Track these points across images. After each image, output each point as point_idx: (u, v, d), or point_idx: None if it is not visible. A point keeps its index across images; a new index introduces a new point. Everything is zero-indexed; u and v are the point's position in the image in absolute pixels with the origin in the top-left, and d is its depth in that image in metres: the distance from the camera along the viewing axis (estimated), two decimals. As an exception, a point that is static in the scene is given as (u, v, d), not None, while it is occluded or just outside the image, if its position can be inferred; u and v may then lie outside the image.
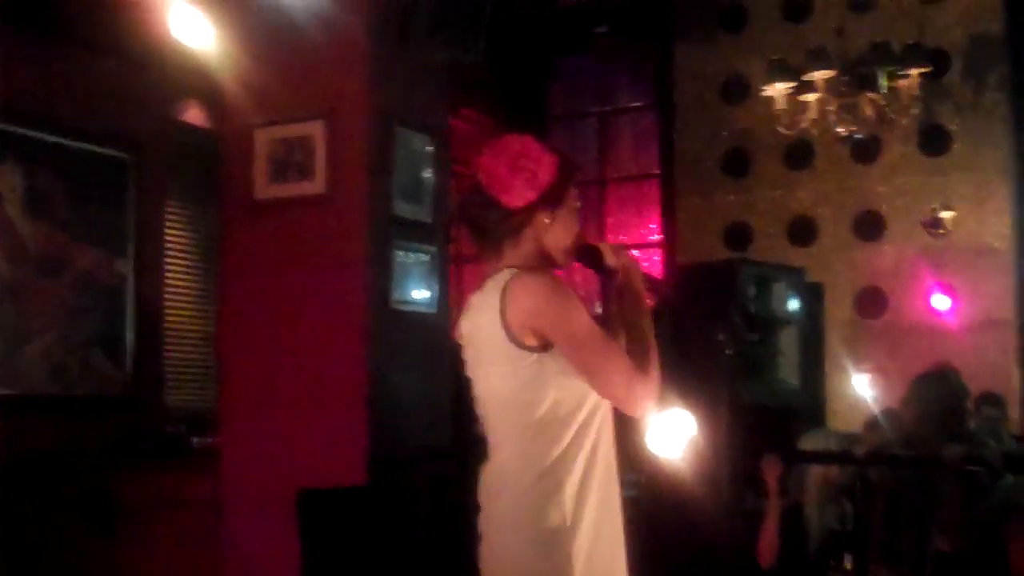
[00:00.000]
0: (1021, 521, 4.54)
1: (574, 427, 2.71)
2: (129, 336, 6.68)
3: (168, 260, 7.20)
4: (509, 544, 2.73)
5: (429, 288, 5.52)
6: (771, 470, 5.09)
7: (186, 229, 7.46)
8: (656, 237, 8.45)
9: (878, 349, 7.10)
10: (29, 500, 5.82)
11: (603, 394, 2.72)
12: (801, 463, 5.26)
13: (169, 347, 7.17)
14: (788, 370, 6.21)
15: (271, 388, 5.47)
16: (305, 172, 5.49)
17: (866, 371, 6.73)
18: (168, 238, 7.20)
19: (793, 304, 6.38)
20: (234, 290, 5.73)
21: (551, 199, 2.78)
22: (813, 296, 6.87)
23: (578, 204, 2.86)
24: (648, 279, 2.91)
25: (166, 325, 7.12)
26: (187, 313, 7.44)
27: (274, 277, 5.54)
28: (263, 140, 5.57)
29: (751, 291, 5.92)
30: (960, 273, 7.04)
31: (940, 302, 7.04)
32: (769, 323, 6.17)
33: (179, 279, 7.37)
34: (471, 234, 2.86)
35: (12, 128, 6.17)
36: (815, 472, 5.13)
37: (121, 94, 6.69)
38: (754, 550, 5.03)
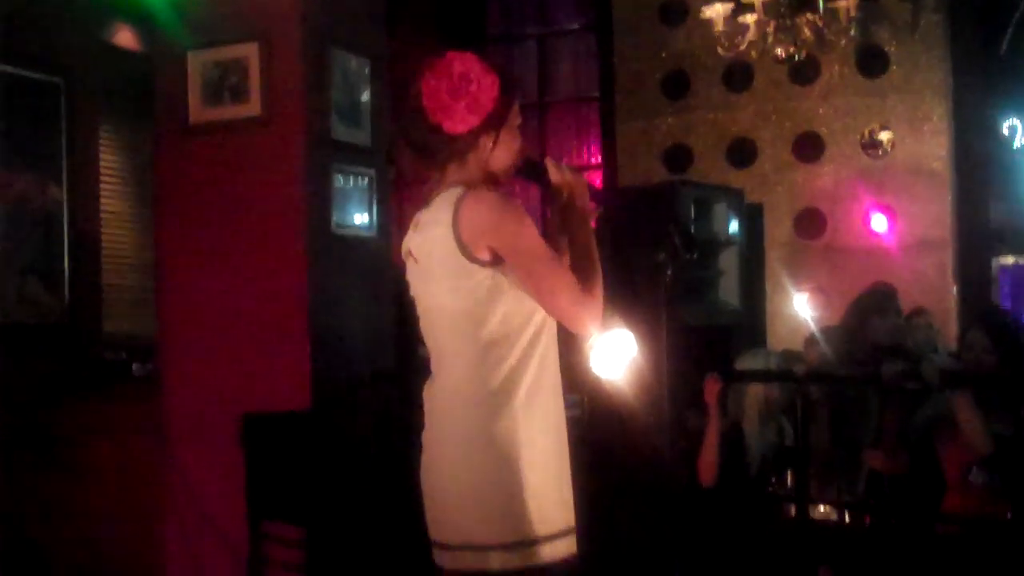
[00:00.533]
0: (952, 434, 4.61)
1: (523, 343, 2.73)
2: (66, 263, 6.59)
3: (104, 185, 7.09)
4: (460, 458, 2.74)
5: (369, 211, 5.49)
6: (711, 389, 5.14)
7: (121, 154, 7.36)
8: (596, 160, 8.44)
9: (817, 269, 7.16)
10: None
11: (550, 311, 2.74)
12: (741, 382, 5.31)
13: (107, 273, 7.09)
14: (728, 291, 6.26)
15: (211, 313, 5.43)
16: (240, 95, 5.42)
17: (805, 291, 6.79)
18: (103, 163, 7.09)
19: (733, 225, 6.41)
20: (170, 215, 5.67)
21: (494, 122, 2.76)
22: (753, 217, 6.89)
23: (519, 121, 2.84)
24: (594, 192, 2.92)
25: (103, 251, 7.03)
26: (124, 239, 7.36)
27: (211, 201, 5.49)
28: (196, 63, 5.49)
29: (691, 212, 5.94)
30: (898, 194, 7.09)
31: (878, 223, 7.09)
32: (709, 244, 6.21)
33: (115, 205, 7.28)
34: (413, 156, 2.83)
35: (-63, 52, 6.04)
36: (754, 391, 5.17)
37: (51, 17, 6.55)
38: (695, 469, 5.08)
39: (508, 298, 2.72)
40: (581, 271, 2.75)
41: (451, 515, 2.77)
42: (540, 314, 2.76)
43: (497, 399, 2.72)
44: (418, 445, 2.88)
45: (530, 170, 2.89)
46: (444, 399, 2.80)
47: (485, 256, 2.69)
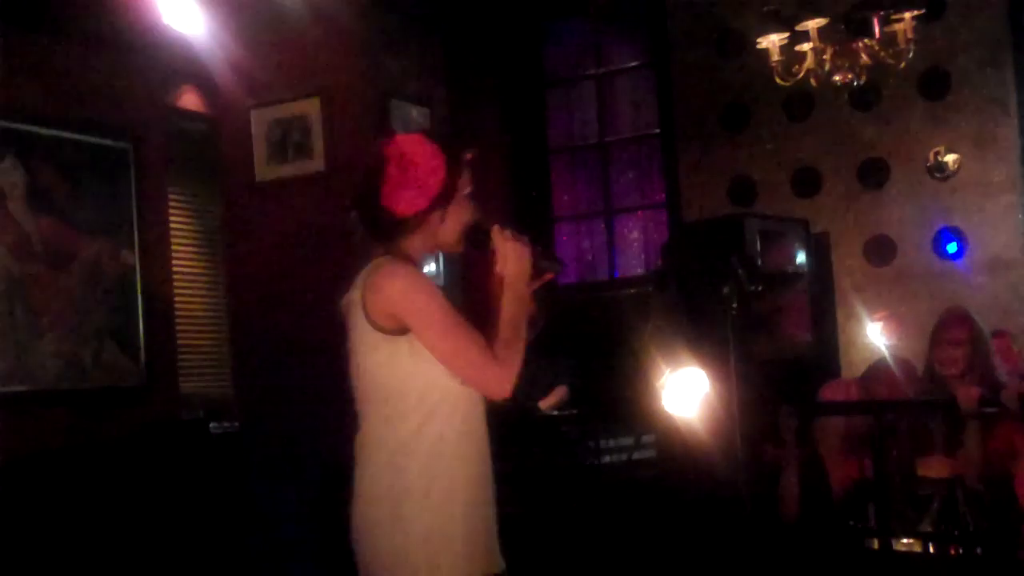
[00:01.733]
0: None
1: (426, 408, 2.85)
2: (140, 325, 6.69)
3: (174, 246, 7.19)
4: (367, 515, 2.89)
5: (436, 261, 5.52)
6: (788, 423, 5.09)
7: (190, 214, 7.44)
8: (661, 197, 8.42)
9: (889, 297, 7.07)
10: (48, 495, 5.84)
11: (457, 376, 2.86)
12: (818, 414, 5.26)
13: (181, 334, 7.17)
14: (799, 323, 6.20)
15: (287, 368, 5.47)
16: (304, 151, 5.50)
17: (878, 319, 6.71)
18: (173, 224, 7.19)
19: (801, 256, 6.37)
20: (240, 273, 5.73)
21: (441, 201, 2.91)
22: (820, 247, 6.84)
23: (468, 190, 2.96)
24: (546, 257, 2.99)
25: (177, 312, 7.12)
26: (197, 299, 7.43)
27: (280, 257, 5.55)
28: (260, 121, 5.58)
29: (757, 245, 5.90)
30: (967, 216, 7.00)
31: (948, 246, 7.01)
32: (777, 277, 6.16)
33: (186, 265, 7.36)
34: (365, 232, 2.97)
35: (10, 124, 6.16)
36: (833, 422, 5.12)
37: (116, 84, 6.68)
38: (776, 504, 5.03)
39: (409, 364, 2.84)
40: (500, 339, 2.85)
41: (363, 561, 2.93)
42: (448, 380, 2.86)
43: (397, 462, 2.85)
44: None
45: (474, 236, 2.97)
46: (361, 453, 2.93)
47: (389, 325, 2.82)
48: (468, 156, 2.98)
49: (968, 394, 4.69)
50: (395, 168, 2.88)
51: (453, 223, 2.94)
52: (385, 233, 2.91)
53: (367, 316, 2.83)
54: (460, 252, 3.03)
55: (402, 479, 2.84)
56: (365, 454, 2.91)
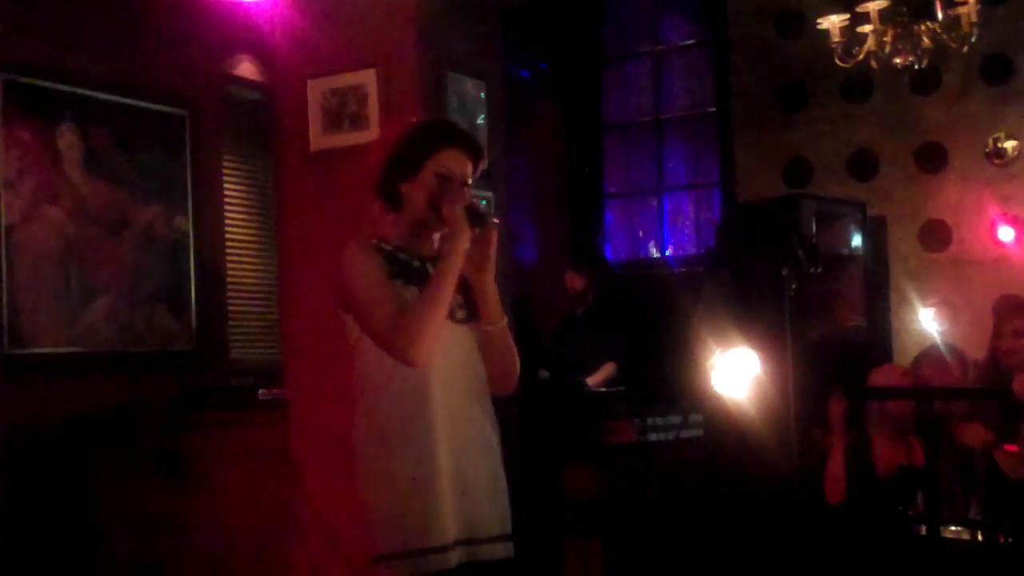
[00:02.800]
0: None
1: (392, 383, 3.06)
2: (192, 291, 6.74)
3: (228, 214, 7.23)
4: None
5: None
6: (836, 406, 5.06)
7: (244, 183, 7.48)
8: (715, 176, 8.37)
9: (943, 283, 7.01)
10: (99, 456, 5.90)
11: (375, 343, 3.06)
12: (867, 399, 5.22)
13: (232, 300, 7.22)
14: (853, 306, 6.17)
15: (335, 339, 5.48)
16: (359, 121, 5.48)
17: (932, 305, 6.66)
18: (227, 192, 7.24)
19: (856, 239, 6.32)
20: (293, 242, 5.75)
21: (399, 169, 3.17)
22: (876, 230, 6.79)
23: (443, 170, 3.13)
24: (472, 211, 3.10)
25: (228, 279, 7.17)
26: (249, 266, 7.48)
27: (332, 227, 5.54)
28: (316, 91, 5.56)
29: (812, 227, 5.86)
30: (1024, 203, 6.93)
31: (1005, 233, 6.93)
32: (832, 259, 6.12)
33: (239, 233, 7.40)
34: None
35: (68, 88, 6.21)
36: (882, 407, 5.09)
37: (173, 51, 6.71)
38: (821, 486, 5.01)
39: (362, 344, 3.11)
40: (411, 306, 3.02)
41: None
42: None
43: (357, 413, 3.14)
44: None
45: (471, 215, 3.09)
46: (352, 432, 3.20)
47: (342, 305, 3.14)
48: (448, 144, 3.16)
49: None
50: (376, 144, 3.29)
51: (418, 197, 3.13)
52: (387, 206, 3.22)
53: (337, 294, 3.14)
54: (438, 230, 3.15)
55: (355, 436, 3.13)
56: (354, 432, 3.17)
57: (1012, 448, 4.79)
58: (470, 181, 3.21)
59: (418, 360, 2.98)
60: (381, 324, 3.01)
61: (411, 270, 3.13)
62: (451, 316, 3.12)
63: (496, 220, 3.16)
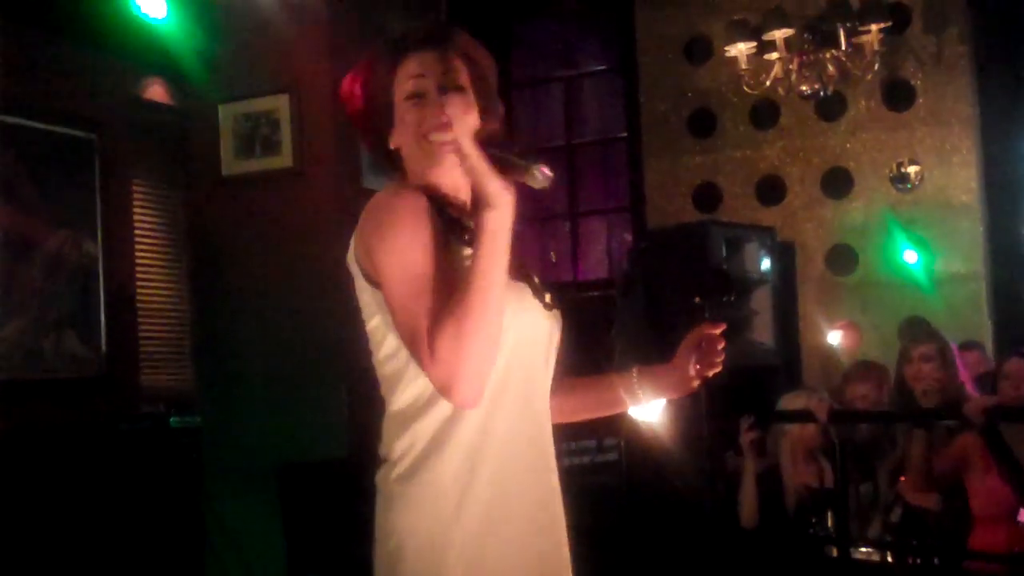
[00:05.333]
0: (983, 470, 4.61)
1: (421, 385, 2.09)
2: (102, 316, 6.65)
3: (138, 239, 7.16)
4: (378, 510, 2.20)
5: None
6: (747, 430, 5.13)
7: (154, 207, 7.42)
8: (625, 201, 8.45)
9: (851, 306, 7.13)
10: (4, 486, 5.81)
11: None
12: (775, 423, 5.29)
13: (143, 326, 7.15)
14: (762, 330, 6.24)
15: (247, 365, 5.46)
16: (272, 147, 5.47)
17: (838, 328, 6.76)
18: (136, 217, 7.17)
19: (765, 263, 6.41)
20: (204, 268, 5.71)
21: (376, 119, 2.23)
22: (785, 255, 6.88)
23: (412, 88, 2.18)
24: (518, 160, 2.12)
25: (139, 304, 7.09)
26: (160, 292, 7.41)
27: (244, 253, 5.53)
28: (228, 115, 5.55)
29: (722, 252, 5.93)
30: (929, 227, 7.07)
31: (910, 257, 7.07)
32: (742, 283, 6.20)
33: (150, 258, 7.33)
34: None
35: (-28, 111, 6.13)
36: (792, 431, 5.16)
37: (82, 74, 6.64)
38: (735, 510, 5.07)
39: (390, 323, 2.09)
40: (449, 317, 1.94)
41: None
42: None
43: (403, 465, 2.13)
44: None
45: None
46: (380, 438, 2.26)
47: (368, 266, 2.11)
48: (405, 53, 2.20)
49: (977, 404, 4.70)
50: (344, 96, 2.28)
51: (405, 135, 2.17)
52: (387, 173, 2.30)
53: (357, 258, 2.13)
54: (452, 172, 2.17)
55: (392, 509, 2.16)
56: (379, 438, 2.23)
57: (904, 479, 4.90)
58: (463, 82, 2.19)
59: (467, 400, 1.96)
60: (411, 324, 1.98)
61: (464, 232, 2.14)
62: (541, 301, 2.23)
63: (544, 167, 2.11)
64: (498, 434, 2.10)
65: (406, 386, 2.12)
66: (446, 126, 2.00)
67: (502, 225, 1.98)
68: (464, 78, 2.20)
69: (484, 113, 2.12)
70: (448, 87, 2.15)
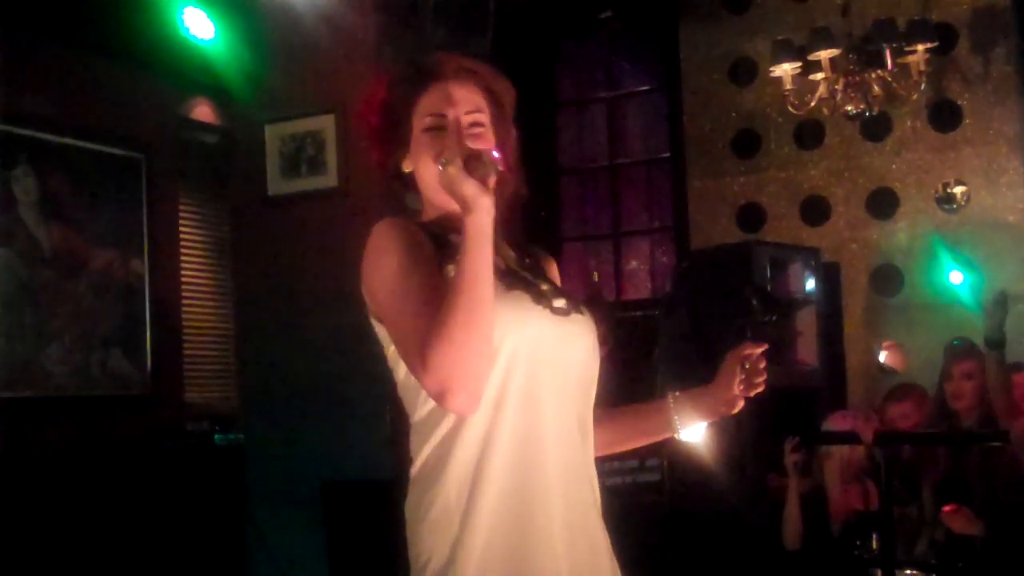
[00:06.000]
0: None
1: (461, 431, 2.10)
2: (147, 335, 6.71)
3: (184, 258, 7.22)
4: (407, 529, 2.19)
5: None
6: (791, 451, 5.10)
7: (201, 227, 7.48)
8: (668, 221, 8.44)
9: (896, 327, 7.08)
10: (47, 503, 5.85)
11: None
12: (819, 444, 5.27)
13: (188, 344, 7.20)
14: (807, 351, 6.20)
15: (292, 383, 5.48)
16: (317, 167, 5.50)
17: (884, 349, 6.72)
18: (183, 236, 7.23)
19: (809, 284, 6.37)
20: (250, 286, 5.74)
21: (392, 141, 2.27)
22: (829, 276, 6.84)
23: (430, 121, 2.21)
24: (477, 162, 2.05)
25: (184, 323, 7.15)
26: (205, 310, 7.46)
27: (289, 272, 5.56)
28: (274, 136, 5.59)
29: (766, 273, 5.91)
30: (975, 248, 7.01)
31: (956, 278, 7.01)
32: (786, 304, 6.16)
33: (196, 277, 7.39)
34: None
35: (24, 131, 6.20)
36: (837, 452, 5.14)
37: (130, 94, 6.71)
38: (778, 532, 5.04)
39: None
40: (438, 325, 1.96)
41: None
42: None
43: (417, 485, 2.14)
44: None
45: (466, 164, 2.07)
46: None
47: (370, 301, 2.21)
48: (434, 77, 2.24)
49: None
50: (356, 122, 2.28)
51: (421, 166, 2.21)
52: (398, 196, 2.34)
53: (364, 294, 2.21)
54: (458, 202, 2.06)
55: (419, 530, 2.13)
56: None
57: (948, 508, 4.85)
58: (483, 119, 2.24)
59: (464, 405, 2.00)
60: (408, 340, 2.03)
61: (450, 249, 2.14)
62: (550, 307, 2.18)
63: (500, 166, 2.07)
64: (504, 444, 2.09)
65: (415, 409, 2.16)
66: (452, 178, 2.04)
67: (481, 229, 2.01)
68: (484, 114, 2.25)
69: (499, 144, 2.22)
70: (472, 124, 2.22)
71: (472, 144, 2.12)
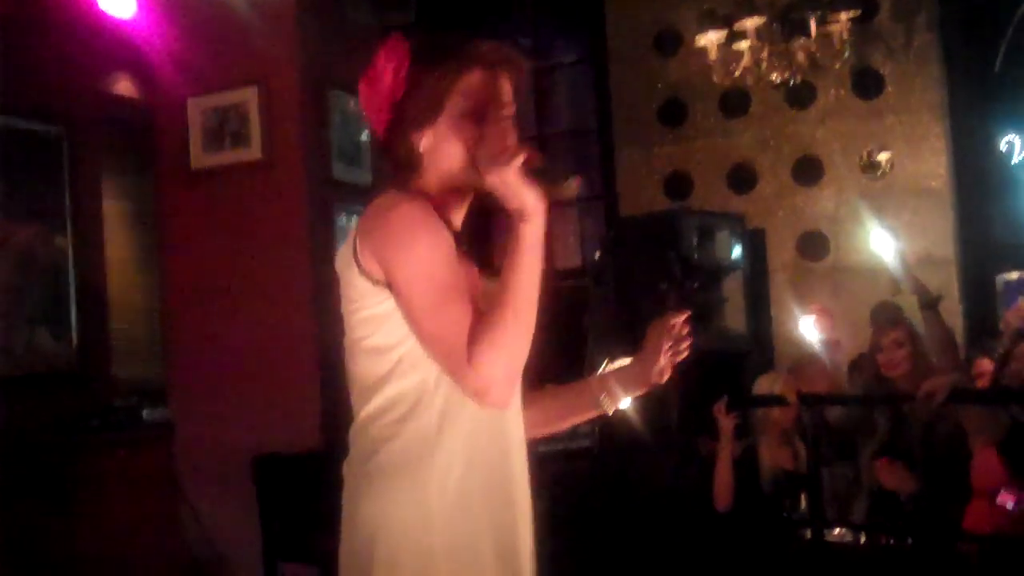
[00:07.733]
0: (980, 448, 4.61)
1: (419, 388, 2.14)
2: (72, 311, 6.62)
3: (108, 233, 7.13)
4: (348, 537, 2.22)
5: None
6: (722, 414, 5.15)
7: (124, 201, 7.39)
8: (598, 190, 8.46)
9: (822, 291, 7.16)
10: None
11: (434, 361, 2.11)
12: (750, 406, 5.31)
13: (114, 320, 7.11)
14: (734, 316, 6.25)
15: (220, 357, 5.45)
16: (241, 139, 5.47)
17: (811, 313, 6.79)
18: (106, 211, 7.13)
19: (736, 251, 6.41)
20: (175, 260, 5.70)
21: (418, 110, 2.18)
22: (756, 242, 6.89)
23: (467, 104, 2.18)
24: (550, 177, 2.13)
25: (110, 298, 7.06)
26: (130, 285, 7.38)
27: (215, 245, 5.52)
28: (196, 109, 5.54)
29: (694, 240, 5.94)
30: (899, 213, 7.10)
31: (880, 243, 7.09)
32: (714, 271, 6.21)
33: (120, 252, 7.30)
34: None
35: (-61, 106, 6.08)
36: (767, 414, 5.19)
37: (50, 69, 6.59)
38: (710, 494, 5.08)
39: (405, 331, 2.12)
40: (488, 325, 2.03)
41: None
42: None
43: (378, 461, 2.16)
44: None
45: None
46: (352, 452, 2.27)
47: (376, 272, 2.11)
48: (480, 62, 2.22)
49: (934, 385, 4.68)
50: (365, 84, 2.22)
51: (451, 147, 2.17)
52: (397, 170, 2.24)
53: (358, 262, 2.12)
54: (485, 193, 2.15)
55: (369, 504, 2.16)
56: (355, 451, 2.25)
57: (882, 461, 4.91)
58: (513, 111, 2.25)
59: (502, 402, 2.07)
60: (451, 346, 2.02)
61: None
62: None
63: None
64: (461, 414, 2.14)
65: (386, 384, 2.17)
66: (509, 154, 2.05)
67: (537, 237, 2.07)
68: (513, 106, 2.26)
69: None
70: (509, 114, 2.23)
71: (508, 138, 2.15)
